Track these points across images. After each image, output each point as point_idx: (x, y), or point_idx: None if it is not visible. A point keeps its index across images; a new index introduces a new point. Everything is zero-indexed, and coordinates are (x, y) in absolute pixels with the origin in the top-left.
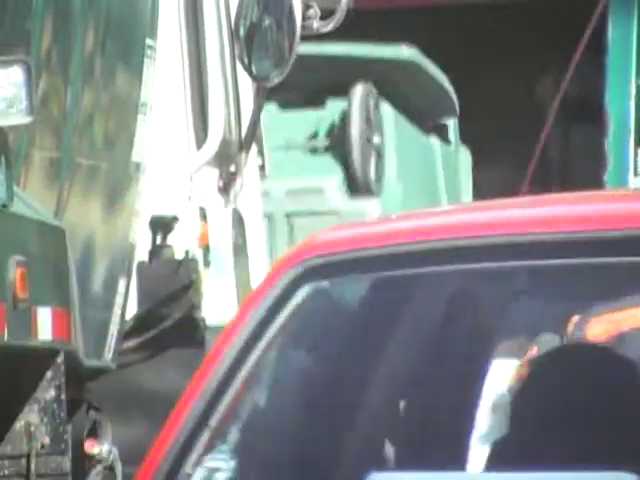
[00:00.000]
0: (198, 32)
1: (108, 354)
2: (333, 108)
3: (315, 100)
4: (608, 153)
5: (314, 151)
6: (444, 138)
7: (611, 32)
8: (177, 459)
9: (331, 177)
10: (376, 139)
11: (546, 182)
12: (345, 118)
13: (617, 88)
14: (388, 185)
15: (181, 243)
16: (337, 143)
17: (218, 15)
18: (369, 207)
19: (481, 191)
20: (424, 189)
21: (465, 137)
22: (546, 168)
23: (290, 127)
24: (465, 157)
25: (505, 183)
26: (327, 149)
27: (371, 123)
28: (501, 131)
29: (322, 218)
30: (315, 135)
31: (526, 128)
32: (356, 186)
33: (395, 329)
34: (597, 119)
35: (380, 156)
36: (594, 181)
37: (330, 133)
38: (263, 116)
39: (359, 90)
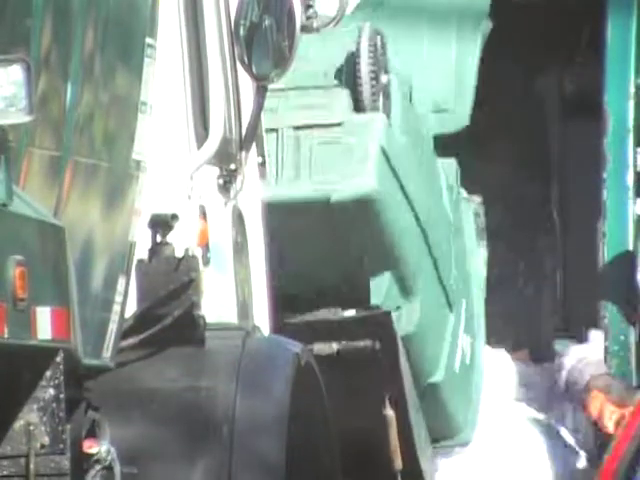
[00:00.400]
0: (198, 31)
1: (107, 353)
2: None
3: None
4: (607, 152)
5: (323, 87)
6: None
7: (610, 31)
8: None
9: (339, 95)
10: (384, 78)
11: (545, 180)
12: (354, 58)
13: (616, 87)
14: (395, 121)
15: (181, 241)
16: (346, 83)
17: (218, 14)
18: (376, 120)
19: (480, 187)
20: (427, 171)
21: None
22: (545, 167)
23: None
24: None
25: (505, 181)
26: (336, 86)
27: (379, 63)
28: (500, 131)
29: (329, 130)
30: (324, 74)
31: (525, 127)
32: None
33: None
34: (596, 118)
35: (388, 97)
36: (594, 180)
37: (339, 73)
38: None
39: (367, 28)
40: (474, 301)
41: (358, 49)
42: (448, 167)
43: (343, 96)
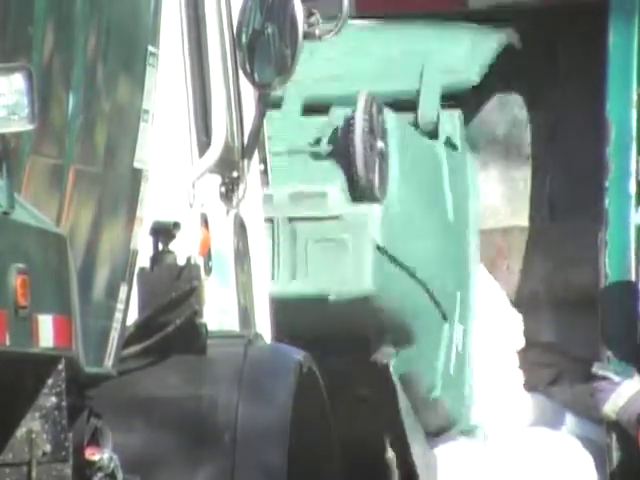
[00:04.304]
0: (200, 39)
1: (109, 361)
2: (336, 115)
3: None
4: (610, 160)
5: (317, 156)
6: (450, 143)
7: (612, 40)
8: None
9: (334, 183)
10: (380, 144)
11: (547, 187)
12: (348, 125)
13: (618, 96)
14: (391, 190)
15: (183, 250)
16: (340, 149)
17: (220, 22)
18: (371, 213)
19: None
20: (429, 194)
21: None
22: (547, 174)
23: (293, 133)
24: (472, 163)
25: (509, 184)
26: (330, 155)
27: (374, 129)
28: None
29: (324, 223)
30: (318, 141)
31: (528, 134)
32: (359, 192)
33: None
34: (598, 127)
35: (384, 161)
36: (596, 188)
37: (333, 139)
38: (266, 123)
39: (363, 97)
40: (469, 287)
41: (352, 122)
42: (450, 119)
43: (338, 179)
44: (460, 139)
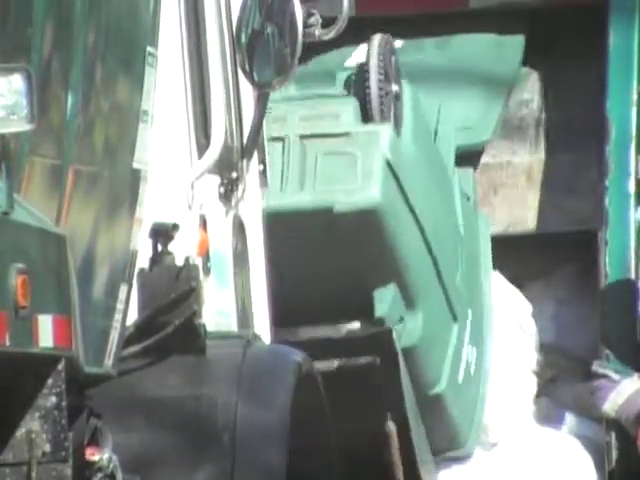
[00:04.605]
0: (200, 39)
1: (109, 361)
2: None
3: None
4: (609, 160)
5: (332, 97)
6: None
7: (612, 39)
8: None
9: (347, 106)
10: (394, 88)
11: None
12: (362, 69)
13: (618, 95)
14: (405, 135)
15: (182, 250)
16: (356, 93)
17: (220, 22)
18: (382, 131)
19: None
20: (438, 179)
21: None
22: (548, 174)
23: (307, 86)
24: (484, 220)
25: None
26: (345, 97)
27: (389, 73)
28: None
29: (335, 140)
30: (333, 85)
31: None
32: (372, 120)
33: None
34: (598, 126)
35: (399, 104)
36: (596, 188)
37: (348, 83)
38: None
39: (377, 40)
40: (483, 311)
41: (368, 59)
42: (464, 176)
43: (351, 106)
44: (473, 196)
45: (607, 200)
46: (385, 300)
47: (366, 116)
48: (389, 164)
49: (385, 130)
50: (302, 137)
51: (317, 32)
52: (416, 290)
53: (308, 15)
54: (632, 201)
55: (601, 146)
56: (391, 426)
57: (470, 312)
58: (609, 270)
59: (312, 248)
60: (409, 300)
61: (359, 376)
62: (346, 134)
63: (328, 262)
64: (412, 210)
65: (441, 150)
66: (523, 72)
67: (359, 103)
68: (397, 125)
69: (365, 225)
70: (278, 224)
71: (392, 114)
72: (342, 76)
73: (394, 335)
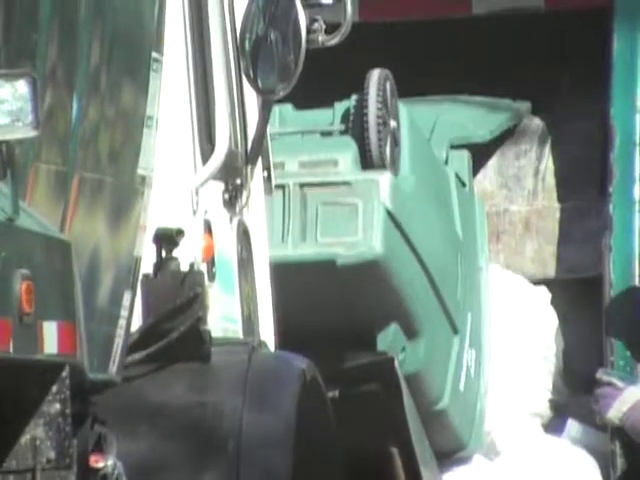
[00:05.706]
0: (204, 46)
1: (113, 367)
2: (348, 100)
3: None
4: (614, 166)
5: (330, 134)
6: (459, 178)
7: (616, 45)
8: None
9: (346, 152)
10: (392, 124)
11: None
12: (361, 102)
13: (622, 101)
14: (403, 169)
15: (186, 256)
16: (353, 127)
17: (224, 28)
18: (382, 179)
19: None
20: (438, 198)
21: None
22: (552, 181)
23: (306, 118)
24: (480, 204)
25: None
26: (343, 133)
27: (388, 107)
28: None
29: (335, 189)
30: (331, 122)
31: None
32: (371, 163)
33: None
34: (602, 132)
35: (396, 142)
36: (600, 194)
37: (346, 118)
38: (278, 115)
39: (376, 74)
40: (482, 311)
41: (366, 97)
42: (459, 159)
43: (350, 150)
44: (469, 179)
45: (612, 206)
46: (387, 336)
47: (364, 156)
48: (390, 214)
49: (384, 178)
50: (302, 186)
51: (320, 38)
52: (419, 322)
53: (311, 21)
54: (637, 207)
55: (602, 193)
56: (395, 453)
57: (469, 315)
58: (613, 276)
59: (314, 294)
60: (411, 332)
61: (362, 404)
62: (346, 183)
63: (330, 306)
64: (414, 250)
65: (436, 148)
66: (522, 126)
67: (357, 136)
68: (394, 160)
69: (368, 275)
70: (280, 274)
71: (389, 150)
72: (340, 107)
73: (396, 363)
